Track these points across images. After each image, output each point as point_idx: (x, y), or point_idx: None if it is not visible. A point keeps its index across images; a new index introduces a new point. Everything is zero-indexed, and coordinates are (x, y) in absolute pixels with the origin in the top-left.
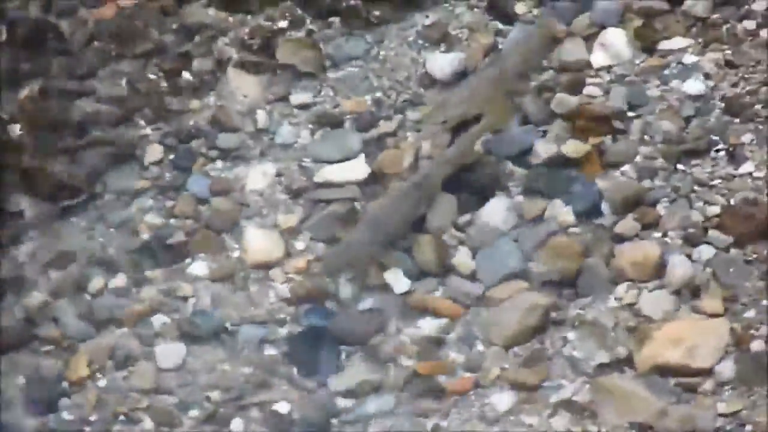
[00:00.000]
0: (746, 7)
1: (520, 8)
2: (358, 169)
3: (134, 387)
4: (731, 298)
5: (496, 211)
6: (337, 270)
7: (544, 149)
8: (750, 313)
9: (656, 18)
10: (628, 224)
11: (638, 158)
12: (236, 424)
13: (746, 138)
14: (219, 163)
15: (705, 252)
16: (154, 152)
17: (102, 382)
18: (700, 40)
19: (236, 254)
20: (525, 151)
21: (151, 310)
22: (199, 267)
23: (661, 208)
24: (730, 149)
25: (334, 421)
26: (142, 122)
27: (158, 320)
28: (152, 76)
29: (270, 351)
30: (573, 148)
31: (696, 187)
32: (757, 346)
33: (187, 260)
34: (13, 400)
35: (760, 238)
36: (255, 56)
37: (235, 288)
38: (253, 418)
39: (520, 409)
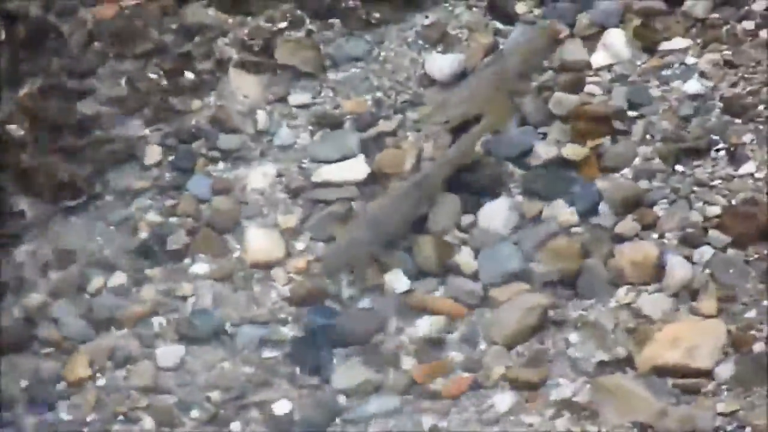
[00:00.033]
0: (746, 7)
1: (520, 8)
2: (357, 169)
3: (134, 386)
4: (731, 299)
5: (497, 212)
6: (337, 270)
7: (543, 151)
8: (750, 314)
9: (656, 18)
10: (627, 225)
11: (637, 159)
12: (237, 424)
13: (746, 138)
14: (221, 165)
15: (705, 253)
16: (154, 153)
17: (101, 382)
18: (699, 40)
19: (237, 254)
20: (525, 152)
21: (151, 311)
22: (199, 267)
23: (660, 209)
24: (731, 149)
25: (336, 420)
26: (142, 122)
27: (158, 320)
28: (152, 76)
29: (271, 351)
30: (572, 151)
31: (696, 188)
32: (758, 347)
33: (188, 260)
34: (13, 400)
35: (761, 239)
36: (255, 57)
37: (235, 288)
38: (254, 418)
39: (521, 409)
